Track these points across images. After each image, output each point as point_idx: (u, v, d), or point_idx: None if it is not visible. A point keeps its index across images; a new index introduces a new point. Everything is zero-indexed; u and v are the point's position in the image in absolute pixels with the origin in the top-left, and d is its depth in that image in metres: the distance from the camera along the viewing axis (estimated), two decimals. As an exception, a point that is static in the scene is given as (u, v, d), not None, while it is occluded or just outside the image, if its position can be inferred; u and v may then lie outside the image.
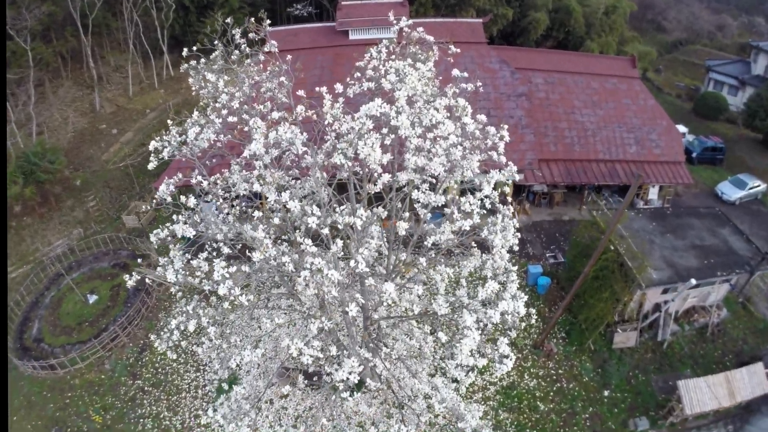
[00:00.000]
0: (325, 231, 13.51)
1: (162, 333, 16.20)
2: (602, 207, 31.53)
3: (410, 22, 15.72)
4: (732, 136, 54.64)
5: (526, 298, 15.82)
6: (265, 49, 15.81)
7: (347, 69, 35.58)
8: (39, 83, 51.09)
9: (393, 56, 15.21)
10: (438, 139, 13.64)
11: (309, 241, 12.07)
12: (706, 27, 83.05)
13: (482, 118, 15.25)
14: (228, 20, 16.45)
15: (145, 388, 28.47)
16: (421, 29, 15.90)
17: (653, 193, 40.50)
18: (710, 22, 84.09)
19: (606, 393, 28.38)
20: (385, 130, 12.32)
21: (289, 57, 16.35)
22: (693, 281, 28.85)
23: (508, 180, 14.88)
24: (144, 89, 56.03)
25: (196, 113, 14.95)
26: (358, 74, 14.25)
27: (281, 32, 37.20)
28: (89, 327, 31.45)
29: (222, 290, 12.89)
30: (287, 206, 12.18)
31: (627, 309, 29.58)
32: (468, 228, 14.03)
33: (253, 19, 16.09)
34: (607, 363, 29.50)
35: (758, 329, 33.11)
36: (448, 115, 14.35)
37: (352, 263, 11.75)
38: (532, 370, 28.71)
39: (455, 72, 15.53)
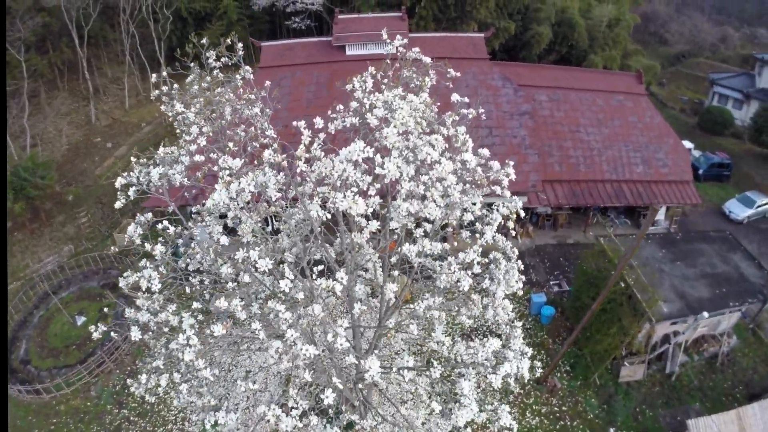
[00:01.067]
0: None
1: (138, 378, 14.30)
2: (610, 234, 29.38)
3: (405, 41, 13.61)
4: (738, 152, 52.65)
5: (530, 352, 13.98)
6: (238, 77, 13.72)
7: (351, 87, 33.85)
8: (34, 94, 49.36)
9: (385, 81, 13.19)
10: (434, 180, 11.62)
11: (282, 307, 10.11)
12: (708, 39, 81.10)
13: (485, 152, 13.24)
14: (204, 41, 14.43)
15: (131, 418, 26.52)
16: (416, 49, 13.76)
17: (660, 214, 38.45)
18: (712, 35, 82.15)
19: (612, 431, 26.28)
20: (368, 179, 10.29)
21: (267, 83, 14.33)
22: (705, 315, 26.90)
23: (511, 214, 12.91)
24: (141, 102, 54.12)
25: (162, 149, 12.93)
26: (341, 107, 12.16)
27: (277, 47, 35.32)
28: (76, 350, 29.79)
29: (188, 356, 10.98)
30: (257, 266, 10.11)
31: (635, 341, 27.50)
32: (467, 286, 12.00)
33: (229, 40, 14.08)
34: (613, 398, 27.40)
35: None
36: (447, 146, 12.41)
37: (329, 337, 9.76)
38: (534, 407, 26.58)
39: (455, 97, 13.59)
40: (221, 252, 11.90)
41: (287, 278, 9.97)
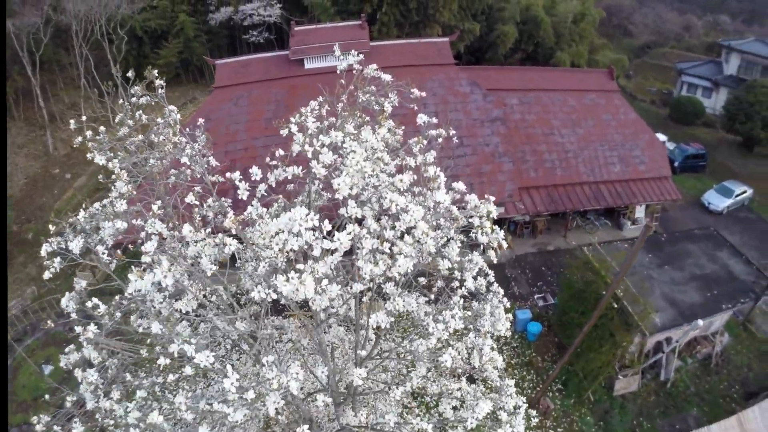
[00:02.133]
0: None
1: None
2: (594, 243, 27.48)
3: (361, 57, 11.34)
4: (712, 141, 51.47)
5: (524, 406, 12.00)
6: (161, 120, 11.36)
7: (303, 102, 31.21)
8: (-14, 127, 46.45)
9: (340, 105, 11.01)
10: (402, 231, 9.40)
11: (229, 409, 7.98)
12: (672, 29, 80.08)
13: (460, 186, 11.08)
14: (129, 74, 11.94)
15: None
16: (374, 66, 11.44)
17: (640, 212, 36.82)
18: (677, 24, 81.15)
19: (611, 449, 24.53)
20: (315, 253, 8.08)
21: (201, 121, 12.07)
22: (700, 323, 25.23)
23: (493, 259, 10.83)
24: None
25: (82, 214, 10.45)
26: (280, 152, 9.82)
27: (232, 64, 32.93)
28: (45, 403, 27.25)
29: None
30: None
31: (626, 352, 25.69)
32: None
33: (155, 71, 11.74)
34: (609, 414, 25.58)
35: (761, 352, 29.61)
36: (415, 177, 10.33)
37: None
38: (527, 433, 24.67)
39: (422, 118, 11.54)
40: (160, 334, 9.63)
41: (230, 377, 7.81)
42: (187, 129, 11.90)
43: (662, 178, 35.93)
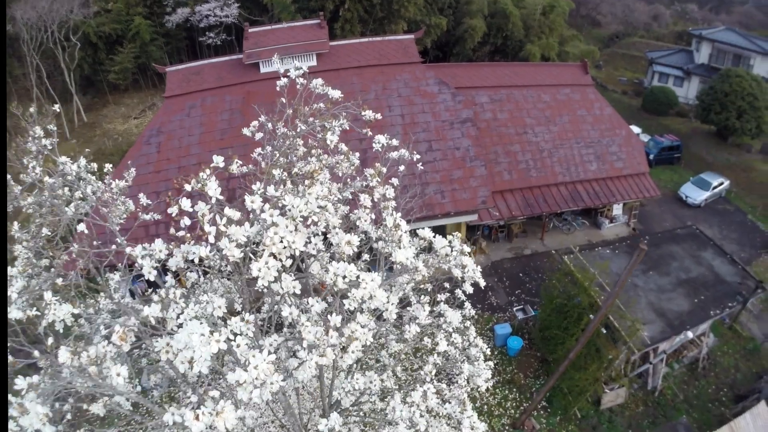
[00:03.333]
0: None
1: None
2: (576, 253, 25.33)
3: (304, 69, 8.88)
4: (686, 131, 49.86)
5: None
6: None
7: (260, 110, 28.55)
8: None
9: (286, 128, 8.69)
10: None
11: None
12: (641, 18, 78.59)
13: (426, 234, 8.67)
14: (32, 109, 9.05)
15: None
16: (320, 81, 9.01)
17: (617, 209, 34.94)
18: (645, 13, 79.65)
19: (601, 467, 22.58)
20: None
21: (129, 162, 9.55)
22: (690, 334, 23.48)
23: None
24: (58, 137, 48.08)
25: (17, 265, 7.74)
26: (186, 221, 6.88)
27: (183, 71, 30.03)
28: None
29: None
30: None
31: (613, 365, 23.71)
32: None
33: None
34: (597, 429, 23.58)
35: (748, 350, 28.08)
36: (373, 218, 8.11)
37: None
38: (512, 458, 22.59)
39: (379, 141, 9.37)
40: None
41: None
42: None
43: (640, 175, 34.09)
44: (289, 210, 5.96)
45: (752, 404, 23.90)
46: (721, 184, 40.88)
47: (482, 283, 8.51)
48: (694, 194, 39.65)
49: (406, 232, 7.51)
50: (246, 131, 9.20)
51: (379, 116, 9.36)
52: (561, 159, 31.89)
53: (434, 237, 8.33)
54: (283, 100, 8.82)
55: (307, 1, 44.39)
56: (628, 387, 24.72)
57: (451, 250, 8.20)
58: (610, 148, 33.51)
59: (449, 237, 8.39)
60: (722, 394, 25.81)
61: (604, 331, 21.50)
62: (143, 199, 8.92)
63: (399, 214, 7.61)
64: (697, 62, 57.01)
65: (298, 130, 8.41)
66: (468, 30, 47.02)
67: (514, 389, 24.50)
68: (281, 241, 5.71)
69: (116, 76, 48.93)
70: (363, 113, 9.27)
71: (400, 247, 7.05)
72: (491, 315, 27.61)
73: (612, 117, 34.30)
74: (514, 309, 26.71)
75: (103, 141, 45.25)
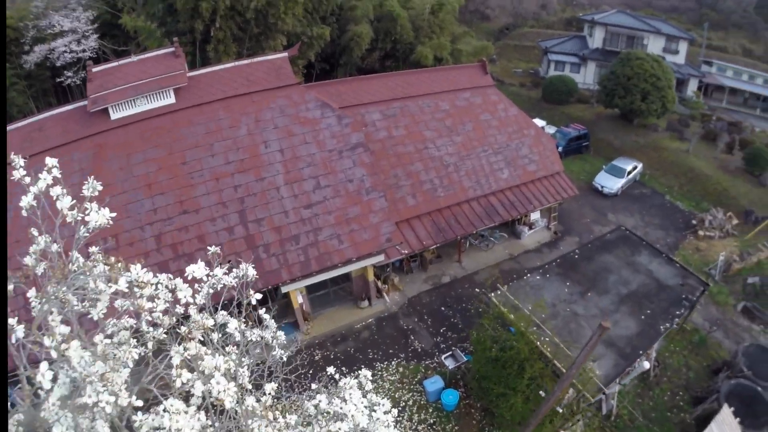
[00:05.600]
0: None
1: None
2: (503, 291, 20.73)
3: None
4: (590, 118, 47.32)
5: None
6: None
7: (114, 167, 22.16)
8: None
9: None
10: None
11: None
12: (529, 8, 76.67)
13: None
14: None
15: None
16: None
17: (536, 214, 31.24)
18: (533, 3, 77.85)
19: None
20: None
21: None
22: (646, 365, 19.73)
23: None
24: None
25: None
26: None
27: (23, 129, 23.08)
28: None
29: None
30: None
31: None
32: None
33: None
34: (557, 477, 19.45)
35: (694, 344, 25.49)
36: None
37: None
38: None
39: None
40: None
41: None
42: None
43: (555, 175, 30.46)
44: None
45: (711, 406, 21.39)
46: (635, 168, 38.76)
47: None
48: (610, 183, 37.10)
49: None
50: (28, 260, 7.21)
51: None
52: (469, 171, 27.67)
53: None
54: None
55: (174, 23, 38.49)
56: (582, 418, 20.77)
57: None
58: (521, 151, 29.64)
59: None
60: (678, 398, 23.18)
61: (543, 395, 17.17)
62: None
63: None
64: (591, 47, 55.13)
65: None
66: (354, 38, 42.31)
67: (456, 452, 20.01)
68: None
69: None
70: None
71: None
72: (417, 364, 22.96)
73: (518, 117, 30.42)
74: (443, 357, 22.04)
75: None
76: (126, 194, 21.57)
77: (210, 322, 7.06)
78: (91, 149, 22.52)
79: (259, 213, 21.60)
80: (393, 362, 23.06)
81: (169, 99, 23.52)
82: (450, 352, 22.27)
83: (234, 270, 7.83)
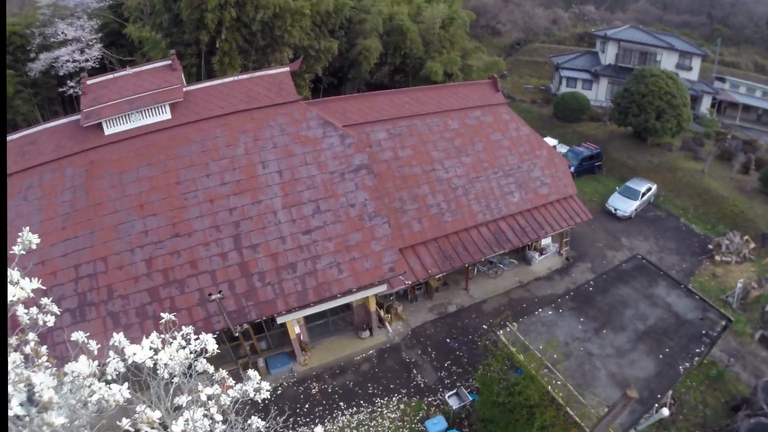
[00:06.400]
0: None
1: None
2: (513, 329, 19.15)
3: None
4: (602, 136, 45.60)
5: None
6: None
7: (106, 185, 20.61)
8: None
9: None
10: None
11: None
12: (540, 23, 75.29)
13: None
14: None
15: None
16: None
17: (546, 239, 29.68)
18: (544, 18, 76.53)
19: None
20: None
21: None
22: (665, 412, 18.13)
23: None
24: None
25: None
26: None
27: (16, 142, 21.92)
28: None
29: None
30: None
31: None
32: None
33: None
34: None
35: (712, 379, 23.83)
36: None
37: None
38: None
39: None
40: None
41: None
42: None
43: (568, 198, 28.91)
44: None
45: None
46: (649, 189, 37.20)
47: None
48: (623, 206, 35.53)
49: None
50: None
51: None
52: (478, 195, 26.18)
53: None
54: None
55: (180, 34, 37.37)
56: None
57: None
58: (532, 173, 28.14)
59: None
60: (696, 436, 21.41)
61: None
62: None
63: None
64: (604, 63, 53.49)
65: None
66: (363, 52, 41.05)
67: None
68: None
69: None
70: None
71: None
72: (420, 401, 21.40)
73: (531, 137, 28.92)
74: (447, 395, 20.45)
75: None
76: (117, 214, 20.29)
77: (157, 415, 5.69)
78: (83, 165, 21.27)
79: (254, 238, 20.18)
80: (394, 398, 21.51)
81: (165, 114, 22.23)
82: (454, 390, 20.67)
83: (191, 342, 6.45)
